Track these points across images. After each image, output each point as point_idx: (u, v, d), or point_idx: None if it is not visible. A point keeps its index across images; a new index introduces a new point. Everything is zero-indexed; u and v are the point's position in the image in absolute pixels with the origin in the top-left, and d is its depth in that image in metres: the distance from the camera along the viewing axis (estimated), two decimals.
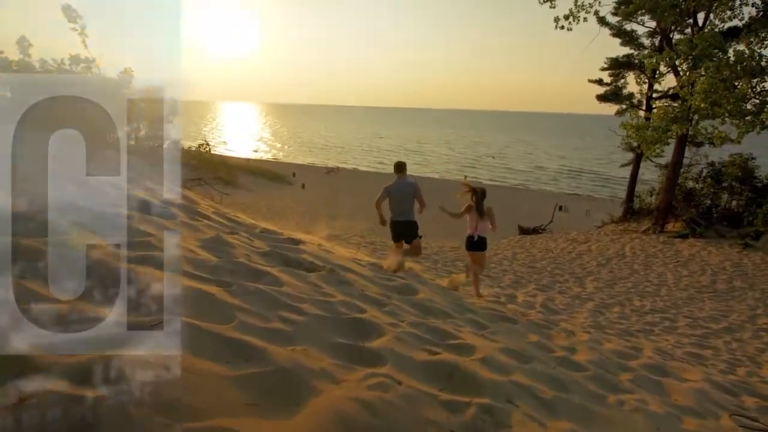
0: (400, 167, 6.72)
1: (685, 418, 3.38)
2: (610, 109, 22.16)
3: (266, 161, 54.96)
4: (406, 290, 4.48)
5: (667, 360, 5.42)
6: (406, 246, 6.83)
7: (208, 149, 35.72)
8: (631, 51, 20.90)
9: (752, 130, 14.11)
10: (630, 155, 21.69)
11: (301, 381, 2.03)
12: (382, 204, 6.60)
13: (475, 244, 6.52)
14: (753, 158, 17.37)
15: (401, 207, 6.57)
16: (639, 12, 17.33)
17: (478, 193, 6.41)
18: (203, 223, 4.28)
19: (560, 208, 28.28)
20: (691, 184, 18.60)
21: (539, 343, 4.13)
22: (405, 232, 6.68)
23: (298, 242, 4.75)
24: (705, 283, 11.72)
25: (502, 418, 2.27)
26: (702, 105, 14.31)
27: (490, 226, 6.52)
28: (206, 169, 28.11)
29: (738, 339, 7.61)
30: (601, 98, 22.06)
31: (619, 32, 20.30)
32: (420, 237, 6.89)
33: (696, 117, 15.57)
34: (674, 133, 16.44)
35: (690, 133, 16.68)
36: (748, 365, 6.32)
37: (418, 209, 6.65)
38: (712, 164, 18.24)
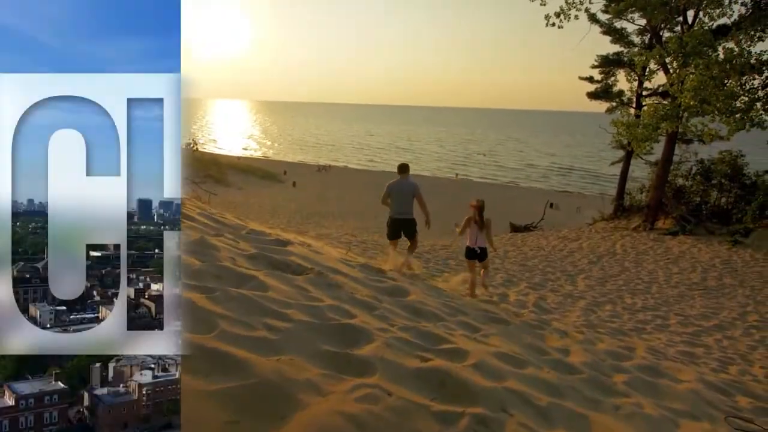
0: (402, 168, 7.00)
1: (680, 421, 3.32)
2: (601, 106, 22.18)
3: (257, 159, 54.61)
4: (397, 292, 4.39)
5: (660, 360, 5.38)
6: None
7: (195, 148, 35.34)
8: (622, 48, 20.92)
9: (742, 128, 14.17)
10: (620, 153, 21.75)
11: (286, 394, 1.92)
12: (387, 200, 6.91)
13: (478, 256, 6.78)
14: (742, 155, 17.47)
15: (401, 206, 6.83)
16: (629, 9, 17.33)
17: (479, 207, 6.66)
18: (187, 224, 4.16)
19: (551, 205, 28.35)
20: (680, 181, 18.68)
21: (532, 345, 4.06)
22: (404, 229, 6.94)
23: (285, 243, 4.63)
24: (695, 281, 11.75)
25: (496, 428, 2.18)
26: (692, 102, 14.35)
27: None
28: (196, 168, 27.82)
29: (729, 336, 7.61)
30: (592, 96, 22.06)
31: (609, 30, 20.29)
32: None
33: (686, 114, 15.62)
34: (664, 131, 16.48)
35: (680, 130, 16.72)
36: (740, 363, 6.31)
37: (422, 216, 6.87)
38: (701, 161, 18.33)
